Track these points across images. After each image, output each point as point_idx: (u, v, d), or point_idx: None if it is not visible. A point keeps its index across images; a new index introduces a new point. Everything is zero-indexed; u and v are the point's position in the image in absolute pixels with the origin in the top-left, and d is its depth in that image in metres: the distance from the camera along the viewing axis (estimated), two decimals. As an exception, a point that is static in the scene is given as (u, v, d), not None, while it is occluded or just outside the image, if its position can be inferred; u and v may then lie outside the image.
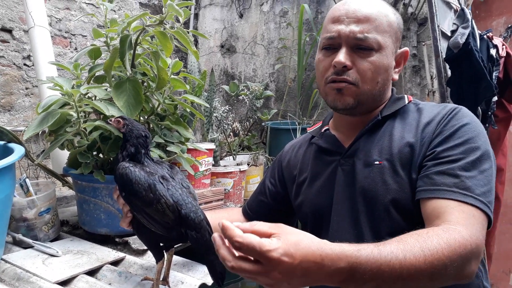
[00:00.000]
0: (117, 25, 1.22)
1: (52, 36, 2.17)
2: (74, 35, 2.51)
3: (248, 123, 2.79)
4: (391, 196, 0.87)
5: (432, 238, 0.69)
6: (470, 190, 0.79)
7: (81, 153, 1.15)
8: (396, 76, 0.98)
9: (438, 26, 1.92)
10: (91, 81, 1.27)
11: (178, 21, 1.12)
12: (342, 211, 0.94)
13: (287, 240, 0.60)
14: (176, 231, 0.87)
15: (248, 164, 2.14)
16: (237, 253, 0.61)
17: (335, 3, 1.00)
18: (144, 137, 0.92)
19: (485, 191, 0.80)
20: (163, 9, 1.08)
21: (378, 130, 0.95)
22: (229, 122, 2.40)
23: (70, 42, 2.50)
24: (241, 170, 1.97)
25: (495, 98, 2.06)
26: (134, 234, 0.96)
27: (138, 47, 1.19)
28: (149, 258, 1.13)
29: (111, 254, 1.10)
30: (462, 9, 1.95)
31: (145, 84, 1.25)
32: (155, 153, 1.19)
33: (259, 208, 1.19)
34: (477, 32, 1.98)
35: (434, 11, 1.91)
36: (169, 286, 0.95)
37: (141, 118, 1.26)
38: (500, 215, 2.23)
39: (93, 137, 1.12)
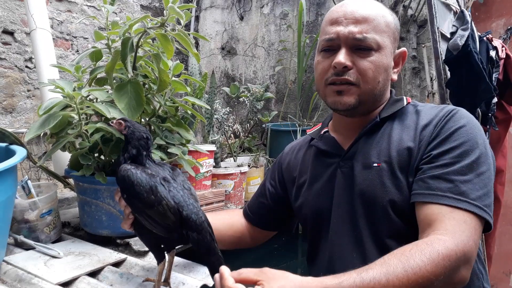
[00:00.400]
0: (118, 28, 1.22)
1: (53, 39, 2.17)
2: (75, 37, 2.52)
3: (248, 125, 2.80)
4: (389, 198, 0.87)
5: (414, 255, 0.70)
6: (465, 195, 0.79)
7: (83, 155, 1.15)
8: (395, 77, 0.99)
9: (437, 28, 1.93)
10: (93, 83, 1.27)
11: (179, 23, 1.12)
12: (342, 213, 0.95)
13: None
14: (177, 233, 0.87)
15: (248, 166, 2.14)
16: None
17: (335, 4, 1.01)
18: (145, 139, 0.92)
19: (481, 195, 0.80)
20: (164, 11, 1.09)
21: (377, 132, 0.96)
22: (229, 124, 2.41)
23: (72, 45, 2.51)
24: (242, 171, 1.97)
25: (495, 100, 2.06)
26: (136, 235, 0.96)
27: (139, 49, 1.19)
28: (150, 260, 1.14)
29: (113, 255, 1.11)
30: (462, 11, 1.96)
31: (146, 86, 1.25)
32: (156, 154, 1.20)
33: (259, 210, 1.20)
34: (476, 34, 1.99)
35: (434, 13, 1.92)
36: (170, 287, 0.95)
37: (143, 120, 1.27)
38: (500, 216, 2.23)
39: (95, 139, 1.13)
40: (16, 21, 2.20)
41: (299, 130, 2.47)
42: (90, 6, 2.58)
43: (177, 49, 1.21)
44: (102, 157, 1.21)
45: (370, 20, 0.90)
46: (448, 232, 0.75)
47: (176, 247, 0.97)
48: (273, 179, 1.19)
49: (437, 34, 1.93)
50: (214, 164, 1.87)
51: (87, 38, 2.59)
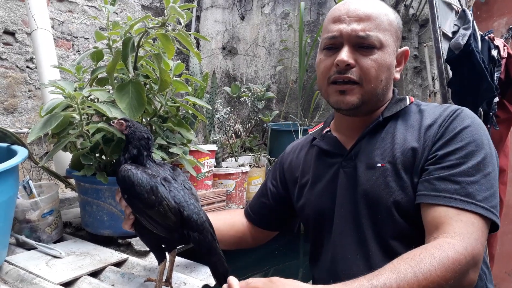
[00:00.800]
0: (119, 28, 1.22)
1: (54, 39, 2.18)
2: (76, 37, 2.52)
3: (249, 125, 2.80)
4: (393, 199, 0.86)
5: (424, 260, 0.70)
6: (471, 197, 0.78)
7: (84, 155, 1.15)
8: (397, 76, 0.98)
9: (439, 27, 1.92)
10: (94, 83, 1.28)
11: (179, 23, 1.12)
12: (345, 213, 0.94)
13: None
14: (178, 233, 0.87)
15: (250, 166, 2.14)
16: None
17: (336, 4, 1.00)
18: (146, 139, 0.92)
19: (487, 196, 0.79)
20: (165, 11, 1.08)
21: (380, 132, 0.95)
22: (231, 124, 2.41)
23: (73, 45, 2.51)
24: (243, 171, 1.97)
25: (497, 99, 2.06)
26: (137, 235, 0.96)
27: (140, 49, 1.19)
28: (151, 260, 1.14)
29: (114, 255, 1.11)
30: (463, 10, 1.95)
31: (148, 86, 1.25)
32: (157, 154, 1.20)
33: (261, 210, 1.20)
34: (478, 33, 1.98)
35: (436, 12, 1.91)
36: (172, 287, 0.95)
37: (144, 120, 1.27)
38: (502, 216, 2.22)
39: (96, 139, 1.13)
40: (17, 21, 2.20)
41: (300, 130, 2.47)
42: (91, 6, 2.58)
43: (178, 49, 1.21)
44: (103, 157, 1.21)
45: (373, 18, 0.90)
46: (456, 235, 0.74)
47: (177, 247, 0.97)
48: (274, 179, 1.19)
49: (438, 33, 1.92)
50: (215, 164, 1.87)
51: (88, 38, 2.59)
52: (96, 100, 1.20)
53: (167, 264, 0.94)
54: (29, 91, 2.29)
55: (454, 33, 1.92)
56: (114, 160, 1.20)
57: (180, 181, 0.93)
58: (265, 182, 1.23)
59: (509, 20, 2.78)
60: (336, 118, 1.07)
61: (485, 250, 0.79)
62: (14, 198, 1.02)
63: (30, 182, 1.25)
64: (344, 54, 0.89)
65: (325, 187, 1.00)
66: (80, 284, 0.96)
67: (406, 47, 0.99)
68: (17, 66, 2.23)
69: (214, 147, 1.75)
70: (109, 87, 1.22)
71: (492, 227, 0.81)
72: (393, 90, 1.02)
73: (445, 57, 1.94)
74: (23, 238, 1.14)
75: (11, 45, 2.20)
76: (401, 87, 2.60)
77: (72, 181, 1.44)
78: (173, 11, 1.06)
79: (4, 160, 0.93)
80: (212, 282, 0.99)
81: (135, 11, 2.92)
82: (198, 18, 3.58)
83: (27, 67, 2.27)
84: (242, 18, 3.36)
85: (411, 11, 2.58)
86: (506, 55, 2.13)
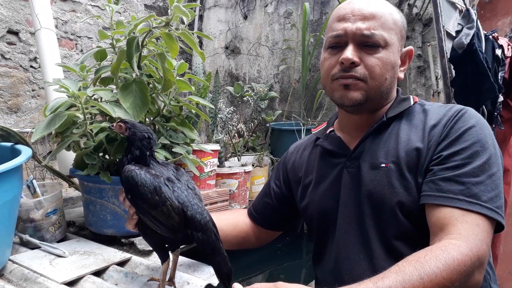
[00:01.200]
0: (122, 27, 1.23)
1: (58, 38, 2.18)
2: (80, 37, 2.53)
3: (252, 124, 2.80)
4: (397, 199, 0.86)
5: (430, 262, 0.69)
6: (477, 197, 0.78)
7: (88, 154, 1.15)
8: (401, 75, 0.98)
9: (443, 26, 1.92)
10: (97, 83, 1.28)
11: (182, 22, 1.12)
12: (348, 213, 0.94)
13: None
14: (181, 233, 0.87)
15: (252, 165, 2.14)
16: None
17: (339, 3, 1.00)
18: (148, 139, 0.91)
19: (492, 196, 0.79)
20: (169, 10, 1.08)
21: (384, 131, 0.95)
22: (233, 123, 2.41)
23: (76, 44, 2.52)
24: (246, 171, 1.97)
25: (501, 99, 2.05)
26: (140, 235, 0.96)
27: (144, 48, 1.19)
28: (155, 259, 1.14)
29: (117, 254, 1.11)
30: (467, 10, 1.95)
31: (151, 85, 1.25)
32: (160, 154, 1.20)
33: (264, 210, 1.19)
34: (482, 32, 1.98)
35: (439, 11, 1.91)
36: (175, 286, 0.95)
37: (147, 119, 1.27)
38: (506, 216, 2.21)
39: (99, 139, 1.13)
40: (21, 21, 2.21)
41: (303, 130, 2.46)
42: (94, 5, 2.59)
43: (181, 49, 1.21)
44: (107, 156, 1.21)
45: (378, 17, 0.90)
46: (461, 237, 0.74)
47: (181, 247, 0.97)
48: (277, 179, 1.19)
49: (442, 32, 1.91)
50: (218, 163, 1.87)
51: (91, 38, 2.59)
52: (99, 100, 1.20)
53: (170, 263, 0.94)
54: (33, 90, 2.30)
55: (458, 32, 1.91)
56: (117, 160, 1.20)
57: (183, 181, 0.93)
58: (268, 182, 1.23)
59: (513, 19, 2.77)
60: (340, 117, 1.07)
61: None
62: (18, 198, 1.03)
63: (34, 181, 1.25)
64: (349, 52, 0.89)
65: (328, 187, 1.00)
66: (84, 283, 0.96)
67: (410, 47, 0.99)
68: (20, 66, 2.23)
69: (217, 147, 1.75)
70: (113, 86, 1.22)
71: (497, 227, 0.81)
72: (397, 90, 1.02)
73: (449, 57, 1.93)
74: (27, 237, 1.15)
75: (15, 44, 2.20)
76: (404, 86, 2.59)
77: (76, 180, 1.44)
78: (177, 10, 1.06)
79: (8, 160, 0.93)
80: (215, 281, 0.99)
81: (138, 11, 2.92)
82: (201, 17, 3.58)
83: (31, 66, 2.28)
84: (245, 17, 3.35)
85: (415, 10, 2.58)
86: (510, 55, 2.13)
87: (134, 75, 1.15)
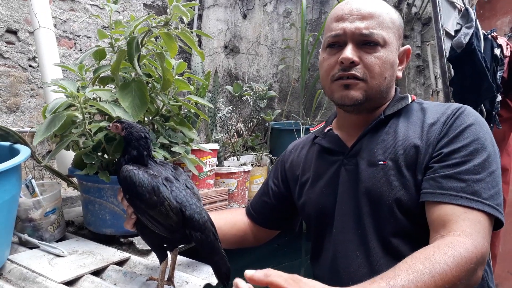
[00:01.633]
0: (121, 26, 1.22)
1: (57, 38, 2.18)
2: (78, 36, 2.53)
3: (251, 124, 2.80)
4: (395, 196, 0.86)
5: (439, 259, 0.69)
6: (478, 195, 0.78)
7: (86, 154, 1.15)
8: (399, 74, 0.99)
9: (442, 26, 1.92)
10: (96, 82, 1.28)
11: (182, 22, 1.12)
12: (346, 211, 0.94)
13: None
14: (180, 233, 0.87)
15: (252, 165, 2.14)
16: None
17: (338, 2, 1.00)
18: (144, 139, 0.91)
19: (493, 194, 0.79)
20: (168, 10, 1.08)
21: (382, 129, 0.95)
22: (233, 123, 2.41)
23: (75, 44, 2.51)
24: (245, 170, 1.97)
25: (499, 98, 2.05)
26: (139, 234, 0.96)
27: (143, 48, 1.19)
28: (154, 259, 1.14)
29: (116, 254, 1.11)
30: (466, 9, 1.95)
31: (150, 85, 1.25)
32: (159, 153, 1.20)
33: (262, 209, 1.20)
34: (481, 32, 1.98)
35: (439, 11, 1.91)
36: (174, 286, 0.95)
37: (146, 119, 1.27)
38: (505, 215, 2.22)
39: (98, 138, 1.13)
40: (20, 20, 2.21)
41: (302, 129, 2.46)
42: (93, 5, 2.58)
43: (180, 48, 1.21)
44: (106, 156, 1.21)
45: (376, 16, 0.90)
46: (465, 234, 0.74)
47: (179, 246, 0.97)
48: (276, 178, 1.19)
49: (441, 32, 1.92)
50: (217, 163, 1.87)
51: (90, 37, 2.59)
52: (98, 99, 1.20)
53: (169, 263, 0.94)
54: (32, 90, 2.30)
55: (457, 31, 1.91)
56: (116, 159, 1.20)
57: (182, 181, 0.93)
58: (266, 181, 1.23)
59: (512, 19, 2.77)
60: (339, 116, 1.07)
61: (487, 249, 0.79)
62: (16, 197, 1.03)
63: (33, 181, 1.25)
64: (349, 52, 0.89)
65: (326, 185, 1.00)
66: (83, 283, 0.96)
67: (407, 46, 1.00)
68: (19, 65, 2.23)
69: (216, 146, 1.75)
70: (112, 86, 1.22)
71: (495, 225, 0.82)
72: (395, 89, 1.02)
73: (447, 56, 1.93)
74: (25, 236, 1.15)
75: (14, 44, 2.20)
76: (403, 85, 2.59)
77: (75, 180, 1.44)
78: (177, 10, 1.05)
79: (6, 159, 0.93)
80: (214, 281, 0.99)
81: (137, 10, 2.92)
82: (200, 16, 3.58)
83: (30, 66, 2.28)
84: (244, 16, 3.35)
85: (414, 9, 2.57)
86: (509, 54, 2.13)
87: (133, 74, 1.15)
